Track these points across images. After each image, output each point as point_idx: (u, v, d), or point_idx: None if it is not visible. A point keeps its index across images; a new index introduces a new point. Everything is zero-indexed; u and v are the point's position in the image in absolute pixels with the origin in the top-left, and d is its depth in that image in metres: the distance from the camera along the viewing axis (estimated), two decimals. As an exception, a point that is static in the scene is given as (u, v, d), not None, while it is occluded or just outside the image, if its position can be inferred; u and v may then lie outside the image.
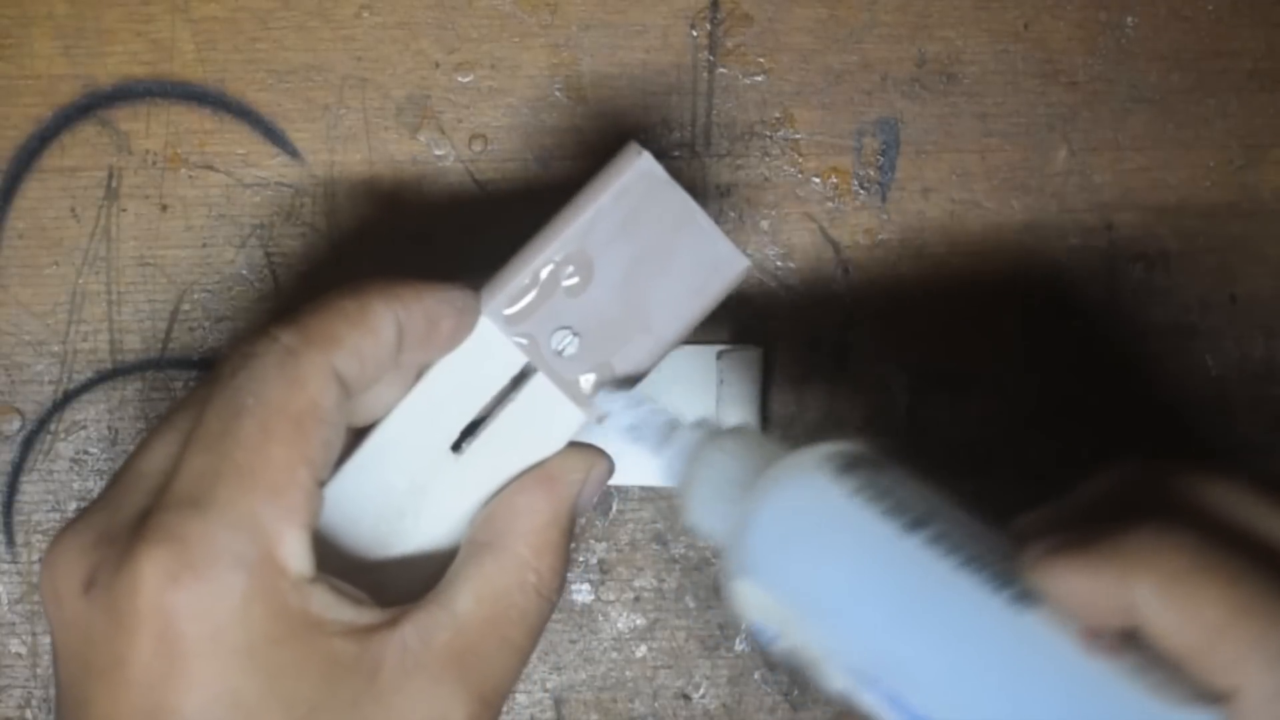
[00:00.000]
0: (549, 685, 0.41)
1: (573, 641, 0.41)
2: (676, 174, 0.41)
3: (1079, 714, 0.25)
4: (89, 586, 0.28)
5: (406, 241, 0.41)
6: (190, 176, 0.40)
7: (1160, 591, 0.25)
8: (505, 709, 0.39)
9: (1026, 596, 0.26)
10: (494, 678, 0.30)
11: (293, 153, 0.41)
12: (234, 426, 0.28)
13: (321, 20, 0.41)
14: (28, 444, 0.40)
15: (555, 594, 0.32)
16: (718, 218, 0.40)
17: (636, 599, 0.41)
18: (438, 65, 0.41)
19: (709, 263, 0.33)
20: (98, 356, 0.40)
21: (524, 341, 0.33)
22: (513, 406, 0.33)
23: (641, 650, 0.41)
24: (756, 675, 0.41)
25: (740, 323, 0.40)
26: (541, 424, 0.33)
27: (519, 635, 0.31)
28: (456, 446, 0.33)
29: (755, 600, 0.28)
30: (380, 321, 0.30)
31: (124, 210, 0.40)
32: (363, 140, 0.41)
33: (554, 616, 0.36)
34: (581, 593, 0.41)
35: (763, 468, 0.29)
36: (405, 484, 0.33)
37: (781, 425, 0.40)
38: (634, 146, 0.33)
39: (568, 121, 0.41)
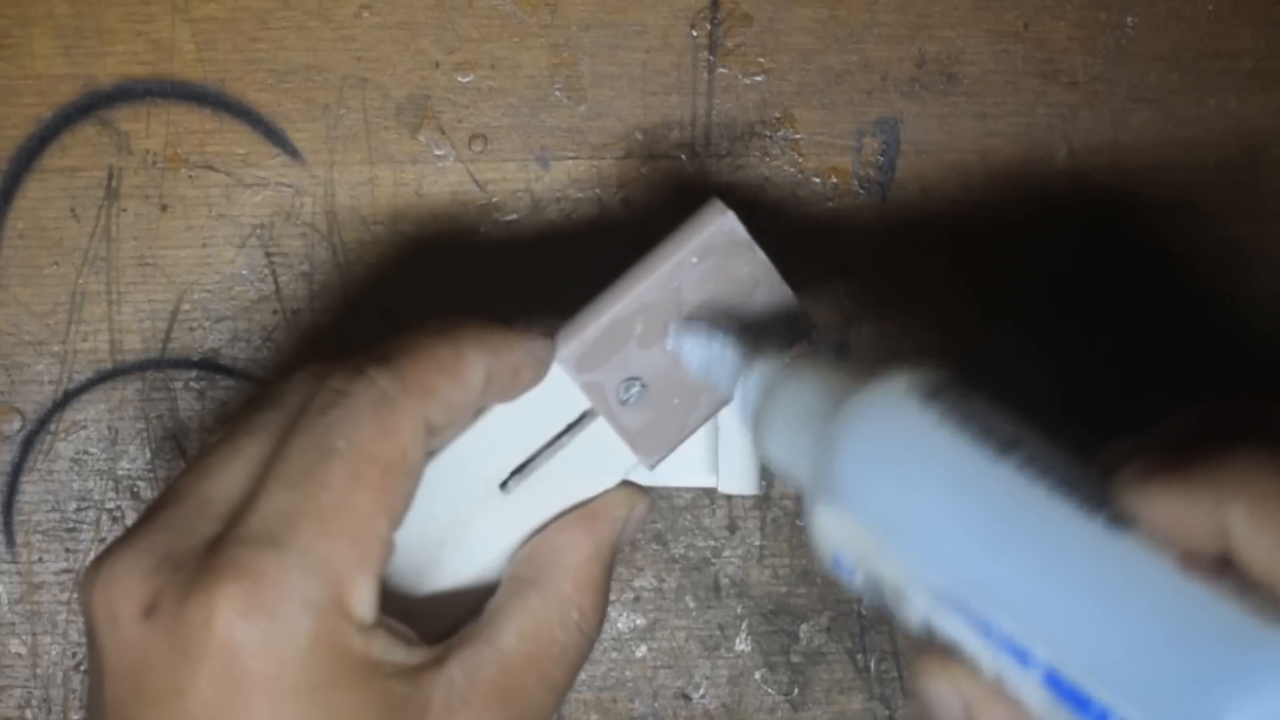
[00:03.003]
0: (549, 685, 0.41)
1: (573, 641, 0.41)
2: (676, 174, 0.41)
3: (1175, 635, 0.24)
4: (150, 611, 0.27)
5: (406, 242, 0.41)
6: (190, 176, 0.41)
7: (1252, 515, 0.24)
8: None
9: (1120, 520, 0.25)
10: (533, 712, 0.31)
11: (293, 153, 0.41)
12: (321, 467, 0.28)
13: (321, 20, 0.41)
14: (28, 444, 0.40)
15: (595, 631, 0.32)
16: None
17: (636, 599, 0.41)
18: (438, 65, 0.41)
19: (780, 322, 0.34)
20: (98, 356, 0.40)
21: (591, 388, 0.33)
22: (568, 450, 0.33)
23: (641, 650, 0.41)
24: (757, 675, 0.41)
25: (740, 323, 0.40)
26: (594, 467, 0.33)
27: (558, 671, 0.31)
28: (504, 484, 0.33)
29: (838, 527, 0.28)
30: (473, 372, 0.30)
31: (124, 210, 0.40)
32: (363, 140, 0.41)
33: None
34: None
35: (843, 396, 0.28)
36: (450, 518, 0.33)
37: (781, 425, 0.40)
38: (718, 204, 0.33)
39: (568, 121, 0.41)
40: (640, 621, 0.41)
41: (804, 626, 0.41)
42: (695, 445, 0.38)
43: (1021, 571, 0.25)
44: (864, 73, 0.41)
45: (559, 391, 0.33)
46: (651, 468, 0.34)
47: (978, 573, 0.26)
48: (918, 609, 0.27)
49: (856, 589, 0.28)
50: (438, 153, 0.41)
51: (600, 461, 0.33)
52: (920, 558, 0.26)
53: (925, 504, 0.27)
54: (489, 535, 0.33)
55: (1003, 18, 0.41)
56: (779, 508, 0.41)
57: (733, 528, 0.41)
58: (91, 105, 0.40)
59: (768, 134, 0.41)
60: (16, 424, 0.40)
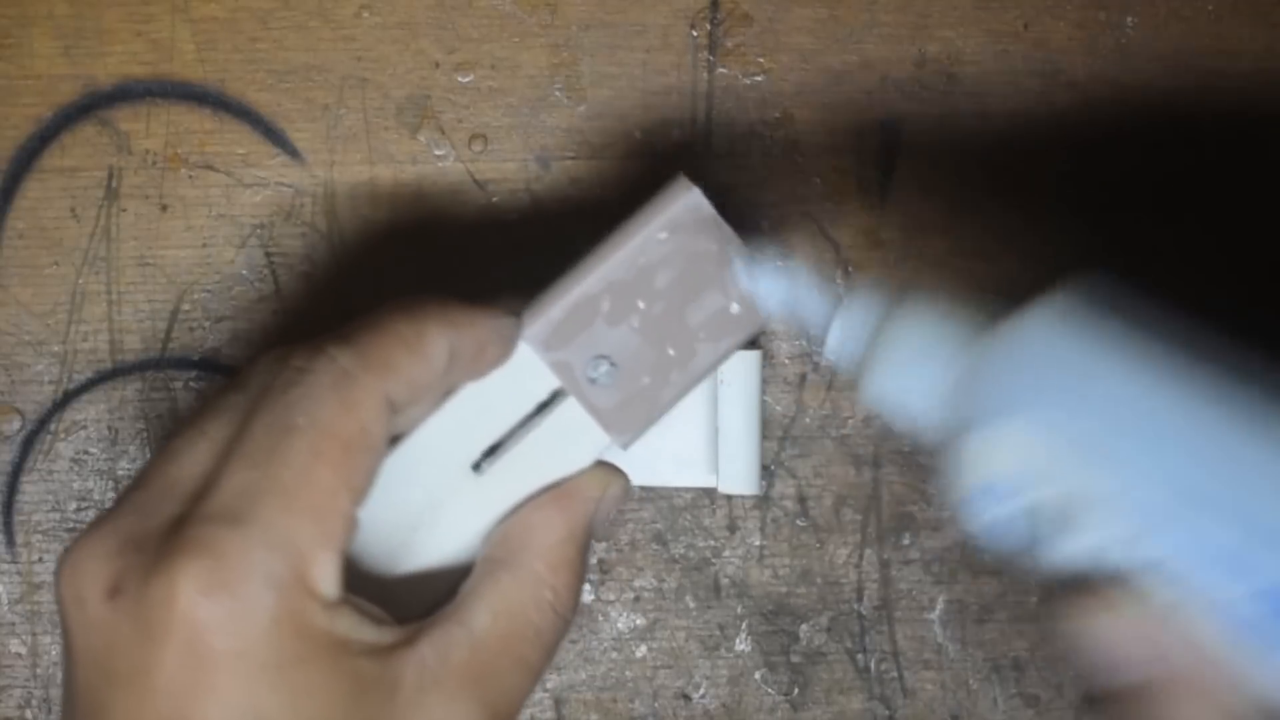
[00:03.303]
0: (549, 685, 0.41)
1: (573, 641, 0.41)
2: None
3: None
4: (115, 593, 0.27)
5: (406, 242, 0.41)
6: (190, 176, 0.41)
7: None
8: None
9: None
10: (508, 694, 0.30)
11: (293, 153, 0.41)
12: (283, 445, 0.28)
13: (321, 20, 0.41)
14: (28, 444, 0.40)
15: (570, 612, 0.32)
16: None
17: (636, 599, 0.41)
18: (438, 65, 0.41)
19: (748, 299, 0.34)
20: (98, 356, 0.40)
21: (560, 367, 0.33)
22: (539, 430, 0.33)
23: (641, 650, 0.41)
24: (757, 675, 0.41)
25: (740, 323, 0.40)
26: (566, 447, 0.33)
27: (533, 653, 0.31)
28: (476, 465, 0.33)
29: (1001, 452, 0.26)
30: (435, 349, 0.30)
31: (124, 210, 0.40)
32: (363, 140, 0.41)
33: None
34: (581, 593, 0.41)
35: (967, 327, 0.28)
36: (422, 500, 0.33)
37: (781, 426, 0.40)
38: (683, 180, 0.33)
39: (568, 121, 0.41)
40: (640, 621, 0.41)
41: (804, 626, 0.41)
42: (695, 445, 0.38)
43: (1238, 473, 0.24)
44: (864, 73, 0.41)
45: (529, 370, 0.33)
46: (625, 447, 0.33)
47: (1188, 479, 0.25)
48: (1090, 534, 0.26)
49: (999, 522, 0.27)
50: (438, 153, 0.41)
51: (573, 441, 0.33)
52: (1125, 470, 0.25)
53: (1130, 412, 0.25)
54: (462, 516, 0.33)
55: (1003, 18, 0.41)
56: (779, 508, 0.41)
57: (733, 528, 0.41)
58: (91, 105, 0.40)
59: (768, 134, 0.41)
60: (16, 424, 0.40)
